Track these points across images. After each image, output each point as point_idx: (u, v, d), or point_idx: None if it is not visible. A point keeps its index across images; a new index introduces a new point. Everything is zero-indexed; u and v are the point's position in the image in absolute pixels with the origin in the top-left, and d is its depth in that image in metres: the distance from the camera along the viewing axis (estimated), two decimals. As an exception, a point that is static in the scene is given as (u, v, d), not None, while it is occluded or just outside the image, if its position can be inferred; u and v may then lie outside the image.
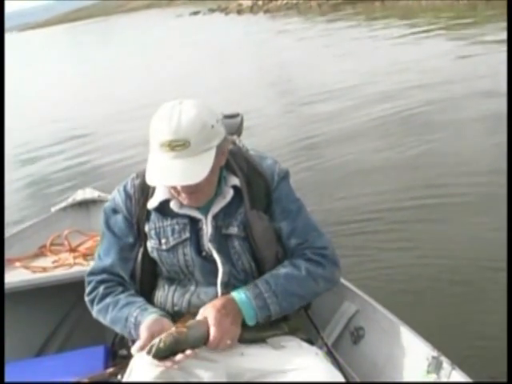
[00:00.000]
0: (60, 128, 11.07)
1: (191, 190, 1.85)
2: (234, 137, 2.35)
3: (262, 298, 1.88)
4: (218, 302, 1.86)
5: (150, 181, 1.84)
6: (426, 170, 5.56)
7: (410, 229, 4.44)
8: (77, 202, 3.43)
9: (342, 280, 2.36)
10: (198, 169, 1.78)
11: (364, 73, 10.89)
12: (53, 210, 3.43)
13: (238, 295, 1.88)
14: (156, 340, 1.73)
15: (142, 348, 1.77)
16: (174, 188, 1.88)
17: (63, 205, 3.43)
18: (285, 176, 2.03)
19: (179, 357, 1.74)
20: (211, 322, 1.81)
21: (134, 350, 1.81)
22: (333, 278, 2.03)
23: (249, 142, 2.26)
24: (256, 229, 1.94)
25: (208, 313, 1.84)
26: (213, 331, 1.80)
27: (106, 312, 1.98)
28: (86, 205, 3.41)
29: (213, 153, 1.82)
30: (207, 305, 1.87)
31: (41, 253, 3.12)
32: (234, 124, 2.62)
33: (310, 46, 17.12)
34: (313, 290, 1.98)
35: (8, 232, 3.26)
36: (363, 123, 7.60)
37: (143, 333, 1.80)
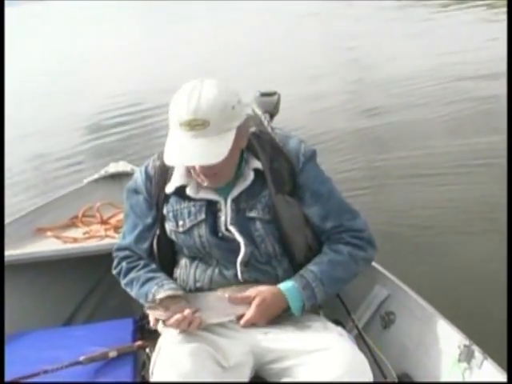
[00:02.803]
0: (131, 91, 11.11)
1: (210, 171, 1.82)
2: (262, 117, 2.31)
3: (310, 288, 1.88)
4: (267, 291, 1.86)
5: (168, 160, 1.82)
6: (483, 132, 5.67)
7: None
8: (109, 174, 3.41)
9: (374, 263, 2.33)
10: (217, 149, 1.76)
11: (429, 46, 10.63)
12: (85, 181, 3.42)
13: (286, 287, 1.87)
14: None
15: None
16: (193, 168, 1.86)
17: (96, 176, 3.42)
18: (311, 156, 1.98)
19: (187, 311, 1.78)
20: (255, 304, 1.83)
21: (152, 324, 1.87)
22: (372, 259, 2.06)
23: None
24: (283, 214, 1.91)
25: (254, 295, 1.85)
26: (251, 313, 1.82)
27: (131, 286, 2.05)
28: (118, 177, 3.38)
29: (233, 133, 1.79)
30: (256, 288, 1.87)
31: (72, 223, 3.14)
32: (271, 102, 2.58)
33: (380, 20, 16.56)
34: (354, 272, 1.98)
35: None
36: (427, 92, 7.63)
37: None
